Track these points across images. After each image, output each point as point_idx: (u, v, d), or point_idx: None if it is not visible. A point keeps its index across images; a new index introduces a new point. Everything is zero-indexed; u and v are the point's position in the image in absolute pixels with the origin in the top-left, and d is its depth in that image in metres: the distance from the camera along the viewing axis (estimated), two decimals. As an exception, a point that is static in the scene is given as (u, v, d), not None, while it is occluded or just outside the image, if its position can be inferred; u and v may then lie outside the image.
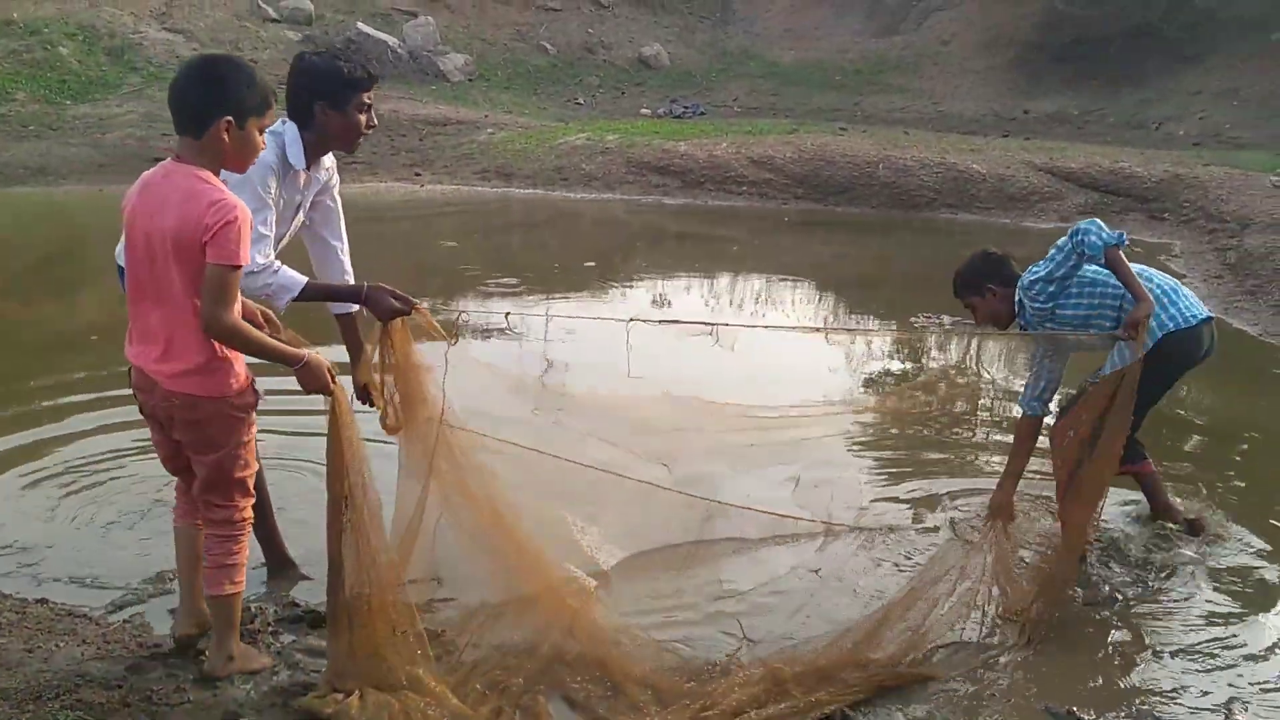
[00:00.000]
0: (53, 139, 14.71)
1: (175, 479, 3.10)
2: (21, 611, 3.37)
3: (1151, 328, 3.83)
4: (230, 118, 2.69)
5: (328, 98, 3.32)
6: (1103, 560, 4.21)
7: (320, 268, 3.79)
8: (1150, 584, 4.06)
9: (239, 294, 2.75)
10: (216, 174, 2.75)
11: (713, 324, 3.86)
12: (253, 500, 3.04)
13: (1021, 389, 4.33)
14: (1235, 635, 3.72)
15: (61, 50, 17.07)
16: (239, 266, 2.67)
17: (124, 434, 4.95)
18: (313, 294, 3.26)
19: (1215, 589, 4.05)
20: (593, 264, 10.51)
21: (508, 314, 3.73)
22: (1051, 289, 3.93)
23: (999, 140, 16.31)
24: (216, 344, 2.76)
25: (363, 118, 3.41)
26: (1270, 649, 3.64)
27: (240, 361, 2.86)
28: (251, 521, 3.05)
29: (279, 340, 2.93)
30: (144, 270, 2.75)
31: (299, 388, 2.91)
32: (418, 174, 14.72)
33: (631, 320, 3.46)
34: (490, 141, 15.95)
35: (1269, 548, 4.37)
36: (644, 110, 20.54)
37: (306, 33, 20.64)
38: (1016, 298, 4.09)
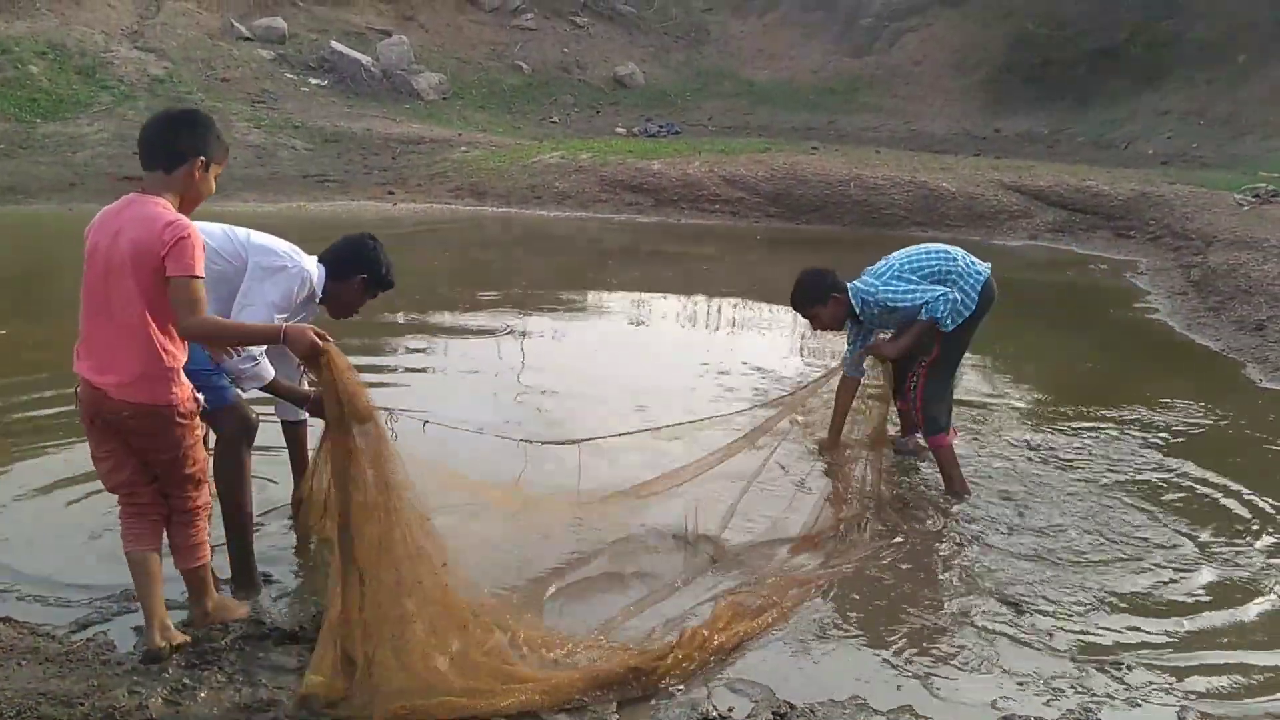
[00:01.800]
0: (22, 157, 14.63)
1: (126, 507, 3.28)
2: (-17, 630, 3.36)
3: (974, 284, 5.04)
4: (203, 158, 3.07)
5: (370, 278, 4.05)
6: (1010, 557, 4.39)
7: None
8: (1089, 588, 4.14)
9: (204, 298, 2.98)
10: (176, 206, 3.05)
11: (579, 440, 4.41)
12: (205, 489, 3.32)
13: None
14: (1180, 638, 3.79)
15: (32, 69, 17.00)
16: (198, 276, 2.94)
17: (86, 453, 4.92)
18: (274, 387, 3.79)
19: (1157, 594, 4.12)
20: (564, 282, 10.55)
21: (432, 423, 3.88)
22: (880, 309, 5.09)
23: (969, 159, 16.49)
24: (160, 355, 3.00)
25: (362, 303, 4.16)
26: (1217, 651, 3.70)
27: (181, 373, 3.09)
28: (208, 509, 3.34)
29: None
30: (99, 289, 3.01)
31: None
32: (391, 192, 14.73)
33: (521, 440, 4.27)
34: (464, 160, 15.98)
35: (1229, 552, 4.46)
36: (619, 129, 20.65)
37: (280, 51, 20.64)
38: (856, 304, 5.11)
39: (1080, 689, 3.45)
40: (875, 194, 13.94)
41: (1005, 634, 3.79)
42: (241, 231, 3.80)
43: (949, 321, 4.96)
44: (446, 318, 8.53)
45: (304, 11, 22.09)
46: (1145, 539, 4.64)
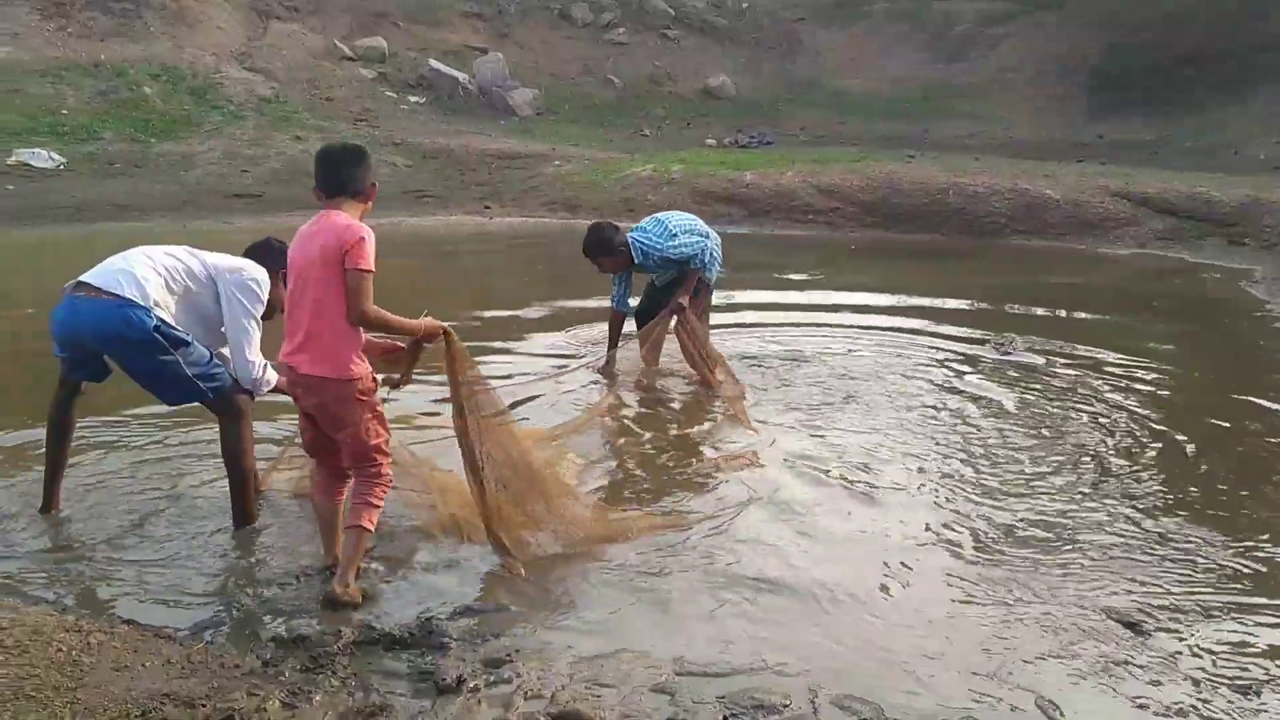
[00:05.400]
0: (138, 176, 15.26)
1: (318, 467, 4.01)
2: (110, 632, 3.47)
3: (718, 253, 6.73)
4: (375, 184, 3.90)
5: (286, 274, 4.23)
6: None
7: None
8: (1215, 604, 3.96)
9: (370, 291, 3.61)
10: (358, 218, 3.74)
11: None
12: (390, 460, 3.89)
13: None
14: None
15: (146, 90, 17.73)
16: (369, 271, 3.60)
17: (206, 457, 5.09)
18: (276, 388, 4.29)
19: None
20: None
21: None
22: (660, 260, 6.52)
23: (1072, 165, 16.08)
24: (345, 336, 3.63)
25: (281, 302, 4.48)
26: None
27: (360, 354, 3.72)
28: (390, 482, 3.90)
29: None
30: (298, 289, 3.70)
31: None
32: (487, 206, 14.97)
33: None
34: (557, 174, 16.16)
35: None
36: (709, 140, 20.66)
37: (381, 70, 21.17)
38: (638, 254, 6.46)
39: (1206, 716, 3.31)
40: (975, 202, 13.70)
41: (1122, 654, 3.65)
42: (202, 254, 4.29)
43: (710, 274, 6.64)
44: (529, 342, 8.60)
45: (404, 31, 22.63)
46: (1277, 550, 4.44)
